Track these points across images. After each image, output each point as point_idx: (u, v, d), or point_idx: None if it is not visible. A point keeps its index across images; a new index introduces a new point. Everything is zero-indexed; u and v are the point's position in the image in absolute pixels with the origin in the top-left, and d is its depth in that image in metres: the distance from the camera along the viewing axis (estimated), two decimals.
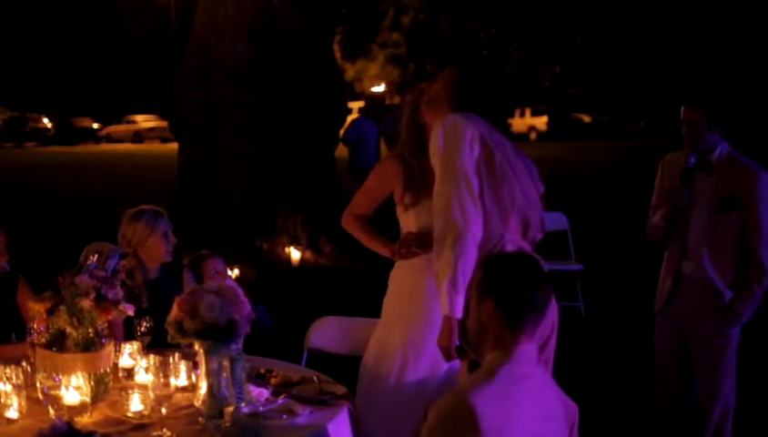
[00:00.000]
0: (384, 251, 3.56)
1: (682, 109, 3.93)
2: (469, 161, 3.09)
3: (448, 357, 3.07)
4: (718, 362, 3.92)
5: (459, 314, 3.01)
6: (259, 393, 3.00)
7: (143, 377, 3.08)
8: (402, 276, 3.57)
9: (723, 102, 3.91)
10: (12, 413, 2.79)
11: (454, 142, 3.10)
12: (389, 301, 3.61)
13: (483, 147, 3.12)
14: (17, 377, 2.93)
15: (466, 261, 3.00)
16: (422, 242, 3.38)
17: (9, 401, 2.80)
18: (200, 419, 2.82)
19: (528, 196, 3.21)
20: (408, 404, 3.42)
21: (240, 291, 2.91)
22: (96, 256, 3.16)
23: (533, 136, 39.25)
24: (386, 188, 3.59)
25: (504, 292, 2.40)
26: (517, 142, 3.36)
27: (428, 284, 3.34)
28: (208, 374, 2.82)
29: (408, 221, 3.53)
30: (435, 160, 3.16)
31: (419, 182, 3.47)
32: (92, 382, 2.88)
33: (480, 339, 2.45)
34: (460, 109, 3.24)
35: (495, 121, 3.28)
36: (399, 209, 3.56)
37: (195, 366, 3.04)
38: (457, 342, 3.02)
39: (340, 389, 3.15)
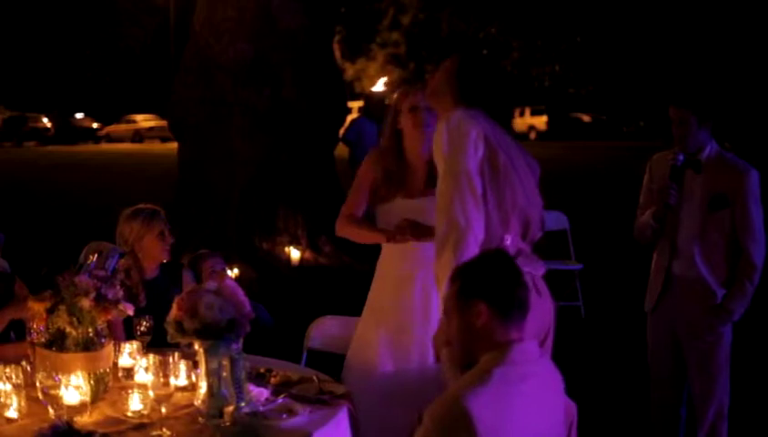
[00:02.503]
0: (380, 237, 3.63)
1: (671, 108, 3.93)
2: (473, 162, 3.07)
3: (439, 359, 3.08)
4: (710, 361, 3.93)
5: None
6: (259, 393, 3.00)
7: (143, 376, 3.07)
8: (385, 267, 3.72)
9: (713, 100, 3.92)
10: (12, 413, 2.79)
11: (458, 142, 3.08)
12: (371, 292, 3.77)
13: (487, 148, 3.09)
14: (17, 376, 2.94)
15: None
16: (418, 232, 3.42)
17: (9, 401, 2.80)
18: (200, 418, 2.82)
19: (530, 196, 3.20)
20: (393, 393, 3.53)
21: (240, 291, 2.92)
22: (96, 255, 3.16)
23: (533, 135, 39.23)
24: (366, 181, 3.73)
25: (495, 292, 2.40)
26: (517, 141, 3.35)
27: (410, 274, 3.51)
28: (208, 374, 2.82)
29: (381, 217, 3.70)
30: (438, 158, 3.15)
31: (394, 182, 3.65)
32: (92, 382, 2.88)
33: (471, 345, 2.43)
34: (463, 100, 3.22)
35: (498, 116, 3.25)
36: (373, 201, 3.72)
37: (194, 365, 3.04)
38: None
39: (340, 388, 3.15)
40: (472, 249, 3.00)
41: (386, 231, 3.59)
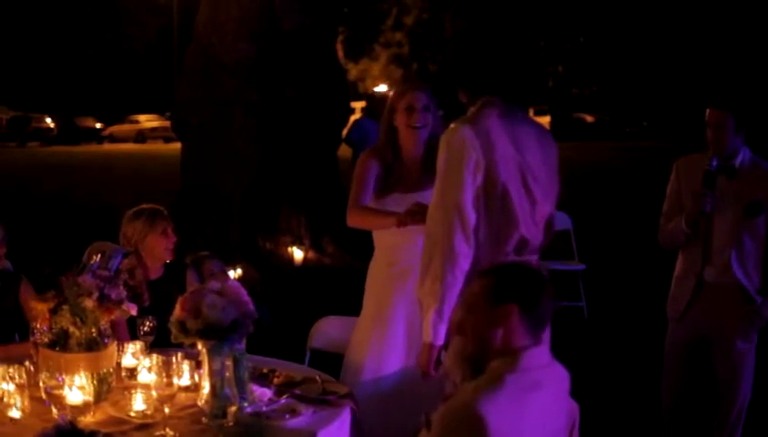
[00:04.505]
0: (391, 221, 3.65)
1: (708, 111, 3.85)
2: (469, 193, 3.01)
3: (425, 375, 3.11)
4: (741, 366, 3.90)
5: (442, 342, 3.04)
6: (262, 393, 3.00)
7: (146, 376, 3.07)
8: (379, 264, 3.81)
9: (752, 105, 3.87)
10: (15, 413, 2.79)
11: (457, 170, 3.01)
12: (365, 295, 3.84)
13: (486, 176, 3.02)
14: (20, 376, 2.94)
15: (453, 294, 2.99)
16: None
17: (12, 401, 2.81)
18: (203, 418, 2.82)
19: (529, 217, 3.12)
20: (391, 393, 3.59)
21: (243, 291, 2.92)
22: (99, 255, 3.17)
23: None
24: (372, 174, 3.80)
25: (529, 299, 2.38)
26: None
27: (407, 268, 3.59)
28: (211, 374, 2.82)
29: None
30: (438, 170, 3.12)
31: (392, 177, 3.77)
32: (95, 382, 2.88)
33: (487, 344, 2.41)
34: (470, 90, 3.18)
35: (513, 97, 3.15)
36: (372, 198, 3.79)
37: (198, 366, 3.04)
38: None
39: (343, 388, 3.15)
40: (459, 281, 2.99)
41: (397, 215, 3.61)
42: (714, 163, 3.82)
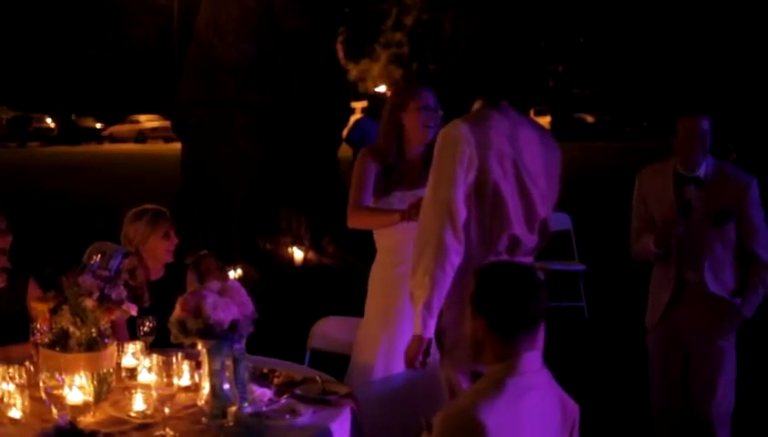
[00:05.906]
0: (394, 217, 3.66)
1: (685, 120, 3.85)
2: (461, 190, 3.03)
3: (410, 366, 3.12)
4: (720, 364, 3.89)
5: (430, 335, 3.06)
6: (262, 393, 3.00)
7: (146, 377, 3.08)
8: (382, 266, 3.80)
9: (724, 112, 3.87)
10: (15, 413, 2.79)
11: (449, 167, 3.04)
12: (368, 296, 3.84)
13: (479, 173, 3.05)
14: (20, 376, 2.95)
15: (442, 287, 3.02)
16: None
17: (12, 401, 2.81)
18: (203, 419, 2.82)
19: (527, 217, 3.14)
20: (397, 395, 3.59)
21: (243, 291, 2.91)
22: (100, 255, 3.16)
23: None
24: (371, 174, 3.79)
25: (497, 314, 2.35)
26: None
27: (400, 278, 3.56)
28: (211, 374, 2.82)
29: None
30: (432, 169, 3.15)
31: (394, 176, 3.76)
32: (95, 382, 2.88)
33: (478, 351, 2.41)
34: (475, 92, 3.21)
35: (516, 99, 3.20)
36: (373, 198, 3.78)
37: (198, 366, 3.04)
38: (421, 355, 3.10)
39: (343, 388, 3.15)
40: (449, 274, 3.01)
41: (400, 211, 3.63)
42: (692, 186, 3.81)
